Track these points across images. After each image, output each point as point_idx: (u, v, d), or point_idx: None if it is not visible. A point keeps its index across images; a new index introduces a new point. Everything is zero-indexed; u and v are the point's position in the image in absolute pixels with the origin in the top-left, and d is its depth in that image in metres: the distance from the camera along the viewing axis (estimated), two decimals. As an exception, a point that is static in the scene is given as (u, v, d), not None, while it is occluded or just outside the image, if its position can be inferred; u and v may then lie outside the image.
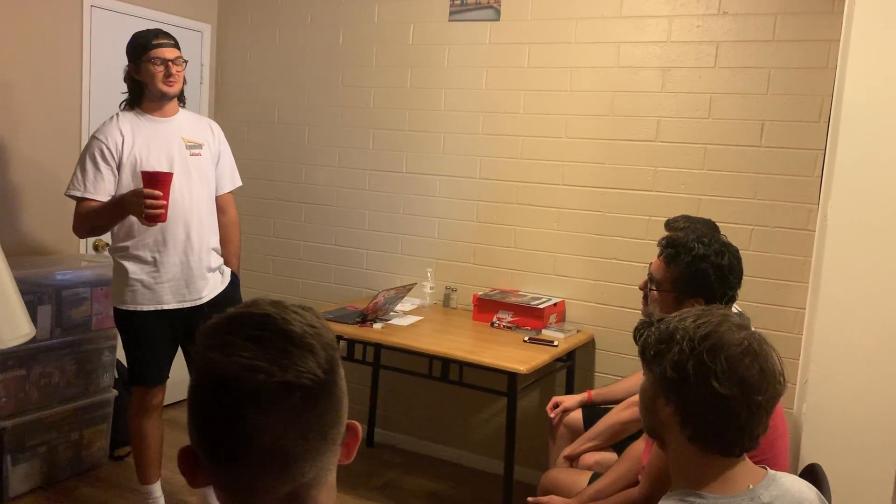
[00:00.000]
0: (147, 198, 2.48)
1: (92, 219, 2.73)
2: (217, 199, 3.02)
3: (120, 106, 2.88)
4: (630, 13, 3.32)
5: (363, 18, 3.97)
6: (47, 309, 3.22)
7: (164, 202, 2.51)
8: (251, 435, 0.80)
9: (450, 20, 3.73)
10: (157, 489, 3.04)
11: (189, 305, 2.87)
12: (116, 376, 3.61)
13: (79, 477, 3.44)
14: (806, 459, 2.37)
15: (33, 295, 3.13)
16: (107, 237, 3.37)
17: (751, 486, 1.27)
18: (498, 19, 3.62)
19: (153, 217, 2.52)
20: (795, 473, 1.58)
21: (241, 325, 0.84)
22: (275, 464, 0.81)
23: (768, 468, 1.33)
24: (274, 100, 4.28)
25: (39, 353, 3.21)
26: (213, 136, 2.99)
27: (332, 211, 4.14)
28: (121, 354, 3.60)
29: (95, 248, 3.77)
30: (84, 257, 3.67)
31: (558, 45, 3.48)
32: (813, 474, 1.90)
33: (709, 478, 1.26)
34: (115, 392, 3.56)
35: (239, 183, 3.14)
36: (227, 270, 3.06)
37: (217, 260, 3.00)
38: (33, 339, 3.11)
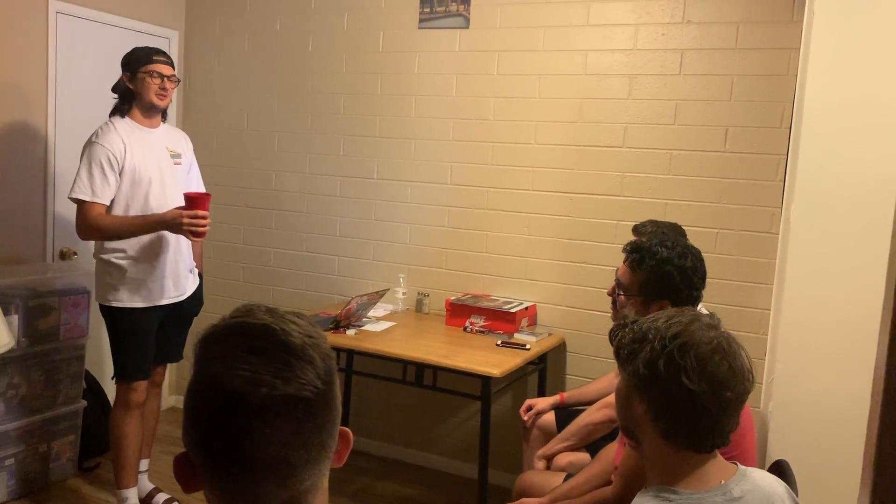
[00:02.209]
0: (200, 218, 2.82)
1: (115, 229, 2.90)
2: None
3: (110, 114, 3.02)
4: (597, 21, 3.39)
5: (333, 26, 3.98)
6: (14, 319, 3.17)
7: (208, 220, 2.86)
8: (255, 447, 0.81)
9: (419, 28, 3.76)
10: (133, 494, 3.02)
11: (174, 301, 3.10)
12: (85, 386, 3.56)
13: (48, 489, 3.39)
14: (773, 456, 2.44)
15: (0, 305, 3.08)
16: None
17: (723, 482, 1.31)
18: (467, 27, 3.65)
19: (201, 234, 2.87)
20: (763, 469, 1.63)
21: (242, 336, 0.85)
22: (277, 473, 0.83)
23: (738, 464, 1.38)
24: (243, 106, 4.26)
25: (6, 363, 3.16)
26: (187, 147, 3.25)
27: (303, 217, 4.14)
28: (90, 364, 3.57)
29: (62, 256, 3.72)
30: (51, 266, 3.61)
31: (527, 52, 3.53)
32: (780, 470, 1.95)
33: (682, 474, 1.30)
34: (83, 403, 3.51)
35: (203, 190, 3.35)
36: (196, 270, 3.31)
37: (192, 260, 3.24)
38: None
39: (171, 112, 4.26)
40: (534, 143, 3.55)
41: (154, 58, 2.98)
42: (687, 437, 1.29)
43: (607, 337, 1.48)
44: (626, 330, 1.34)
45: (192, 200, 2.86)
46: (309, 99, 4.08)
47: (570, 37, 3.44)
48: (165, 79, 2.98)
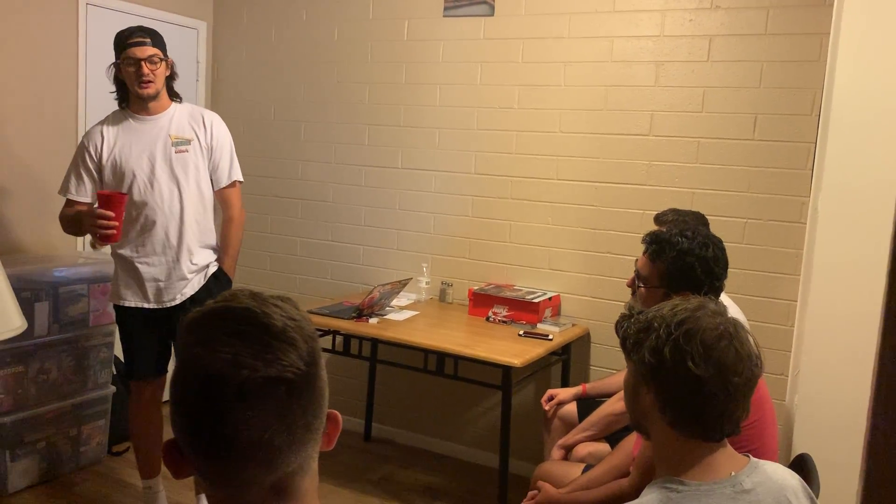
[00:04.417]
0: (100, 218, 2.54)
1: (64, 222, 2.82)
2: (216, 193, 2.97)
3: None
4: (623, 7, 3.33)
5: (358, 15, 3.98)
6: (45, 306, 3.24)
7: (117, 223, 2.57)
8: (237, 429, 0.81)
9: (444, 16, 3.74)
10: (157, 483, 3.06)
11: (167, 306, 2.86)
12: (114, 372, 3.63)
13: (78, 472, 3.47)
14: (798, 449, 2.39)
15: (31, 292, 3.16)
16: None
17: (733, 473, 1.28)
18: (492, 14, 3.63)
19: (105, 237, 2.59)
20: (788, 463, 1.60)
21: (223, 319, 0.85)
22: (261, 456, 0.83)
23: (751, 456, 1.35)
24: (269, 97, 4.29)
25: (37, 349, 3.23)
26: (204, 130, 2.88)
27: (328, 207, 4.16)
28: (119, 349, 3.64)
29: (92, 245, 3.79)
30: (81, 255, 3.69)
31: (552, 39, 3.50)
32: (802, 464, 1.91)
33: (690, 464, 1.28)
34: (113, 388, 3.58)
35: (238, 177, 3.01)
36: (215, 267, 2.97)
37: (206, 258, 2.93)
38: (31, 336, 3.15)
39: (199, 102, 4.31)
40: (558, 131, 3.52)
41: (127, 42, 2.68)
42: (695, 425, 1.27)
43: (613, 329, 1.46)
44: (632, 320, 1.32)
45: (101, 200, 2.57)
46: (334, 88, 4.09)
47: (596, 23, 3.40)
48: (143, 62, 2.68)
